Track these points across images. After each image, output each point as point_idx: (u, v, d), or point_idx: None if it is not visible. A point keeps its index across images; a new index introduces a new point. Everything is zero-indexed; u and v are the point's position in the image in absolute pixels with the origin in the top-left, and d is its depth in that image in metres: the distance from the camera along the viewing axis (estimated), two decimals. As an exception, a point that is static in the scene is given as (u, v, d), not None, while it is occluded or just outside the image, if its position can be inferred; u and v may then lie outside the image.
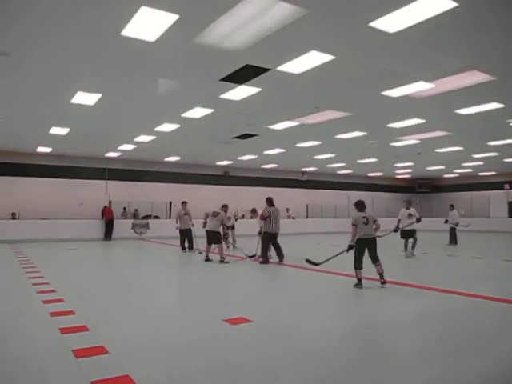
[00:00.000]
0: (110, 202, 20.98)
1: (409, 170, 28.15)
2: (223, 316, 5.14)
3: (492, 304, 6.00)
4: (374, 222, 7.39)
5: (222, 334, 4.55)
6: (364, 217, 7.33)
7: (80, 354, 3.80)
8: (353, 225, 7.37)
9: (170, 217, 22.48)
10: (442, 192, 31.76)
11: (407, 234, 11.68)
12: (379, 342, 4.40)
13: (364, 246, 7.28)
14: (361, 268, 7.19)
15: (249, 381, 3.34)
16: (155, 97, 10.59)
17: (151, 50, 7.32)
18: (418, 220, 11.45)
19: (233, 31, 6.62)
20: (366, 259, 7.24)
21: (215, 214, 11.01)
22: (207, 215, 11.32)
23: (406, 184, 33.73)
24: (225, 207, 11.76)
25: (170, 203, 22.81)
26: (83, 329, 4.58)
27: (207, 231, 11.00)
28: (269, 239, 10.55)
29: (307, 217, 27.10)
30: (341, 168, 26.41)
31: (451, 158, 21.18)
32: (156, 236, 19.01)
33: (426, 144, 17.15)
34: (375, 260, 7.30)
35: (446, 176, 31.30)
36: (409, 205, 11.94)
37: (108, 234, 18.45)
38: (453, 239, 15.73)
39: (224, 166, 25.25)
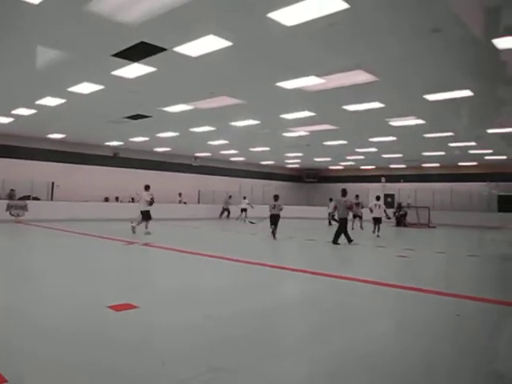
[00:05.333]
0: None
1: (298, 161, 29.49)
2: (109, 302, 4.92)
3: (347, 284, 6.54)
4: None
5: (105, 321, 4.35)
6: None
7: None
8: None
9: (52, 198, 20.91)
10: (328, 183, 33.82)
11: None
12: (266, 326, 4.53)
13: None
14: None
15: (135, 367, 3.25)
16: (37, 67, 9.65)
17: (34, 12, 6.63)
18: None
19: (128, 3, 6.26)
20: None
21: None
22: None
23: (296, 174, 35.31)
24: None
25: (53, 183, 21.22)
26: None
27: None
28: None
29: (199, 202, 27.06)
30: (234, 155, 26.76)
31: (337, 150, 22.64)
32: (36, 219, 17.54)
33: (314, 136, 18.08)
34: None
35: (332, 168, 33.39)
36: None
37: None
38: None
39: (114, 147, 24.06)
